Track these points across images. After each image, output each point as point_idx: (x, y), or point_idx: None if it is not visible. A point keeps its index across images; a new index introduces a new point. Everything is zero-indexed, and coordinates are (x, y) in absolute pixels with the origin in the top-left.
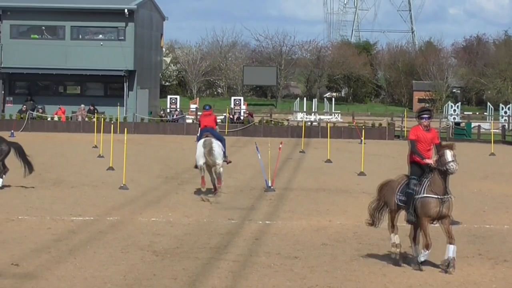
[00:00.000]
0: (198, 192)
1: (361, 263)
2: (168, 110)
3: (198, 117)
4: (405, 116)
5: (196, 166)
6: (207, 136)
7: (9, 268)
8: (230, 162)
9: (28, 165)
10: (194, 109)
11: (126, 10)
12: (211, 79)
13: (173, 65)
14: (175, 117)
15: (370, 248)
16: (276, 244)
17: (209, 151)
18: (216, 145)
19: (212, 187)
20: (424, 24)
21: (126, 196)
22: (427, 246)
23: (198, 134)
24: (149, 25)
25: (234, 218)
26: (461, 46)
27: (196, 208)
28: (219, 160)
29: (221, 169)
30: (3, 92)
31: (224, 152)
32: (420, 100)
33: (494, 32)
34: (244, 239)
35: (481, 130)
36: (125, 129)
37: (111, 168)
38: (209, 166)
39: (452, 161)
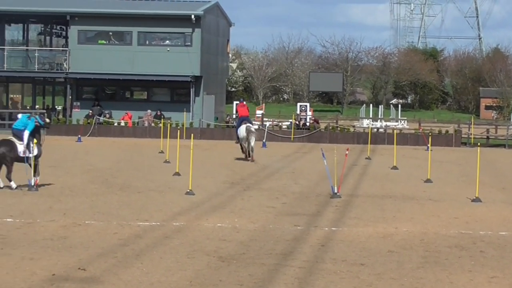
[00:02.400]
0: (239, 158)
1: (428, 270)
2: (234, 116)
3: (236, 106)
4: (472, 123)
5: (237, 142)
6: (246, 123)
7: (76, 273)
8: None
9: None
10: (260, 115)
11: (193, 16)
12: (277, 85)
13: (239, 71)
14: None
15: (436, 255)
16: (342, 250)
17: (248, 133)
18: (253, 129)
19: (243, 157)
20: (492, 31)
21: (192, 202)
22: None
23: (238, 120)
24: (215, 31)
25: (300, 225)
26: None
27: (262, 214)
28: (253, 140)
29: (254, 144)
30: (70, 97)
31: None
32: (487, 107)
33: None
34: (310, 245)
35: None
36: (191, 134)
37: (177, 174)
38: (247, 141)
39: None
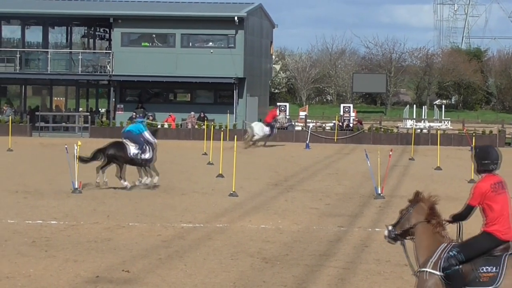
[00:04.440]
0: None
1: None
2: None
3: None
4: None
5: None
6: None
7: (120, 274)
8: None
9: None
10: (304, 117)
11: (236, 18)
12: (320, 86)
13: (283, 73)
14: (284, 124)
15: None
16: (385, 251)
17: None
18: (259, 127)
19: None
20: None
21: (235, 203)
22: None
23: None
24: (259, 32)
25: (343, 225)
26: None
27: (305, 215)
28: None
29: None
30: (114, 99)
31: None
32: None
33: None
34: (354, 246)
35: None
36: (235, 136)
37: (220, 175)
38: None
39: None
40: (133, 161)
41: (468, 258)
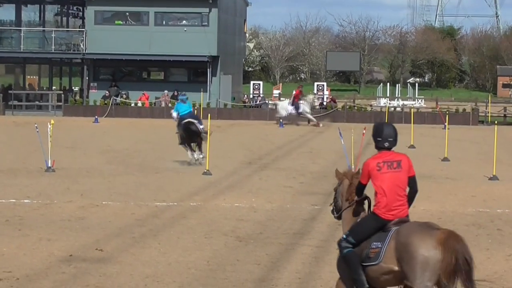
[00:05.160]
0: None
1: None
2: (251, 96)
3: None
4: (489, 101)
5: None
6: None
7: (93, 253)
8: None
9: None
10: (277, 95)
11: None
12: (294, 65)
13: (256, 51)
14: (258, 102)
15: None
16: None
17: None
18: (283, 106)
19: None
20: (510, 9)
21: (209, 182)
22: None
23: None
24: (232, 10)
25: (317, 204)
26: None
27: (279, 194)
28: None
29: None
30: (87, 78)
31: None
32: (504, 85)
33: None
34: (328, 224)
35: None
36: (208, 114)
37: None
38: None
39: None
40: (201, 134)
41: (358, 240)
